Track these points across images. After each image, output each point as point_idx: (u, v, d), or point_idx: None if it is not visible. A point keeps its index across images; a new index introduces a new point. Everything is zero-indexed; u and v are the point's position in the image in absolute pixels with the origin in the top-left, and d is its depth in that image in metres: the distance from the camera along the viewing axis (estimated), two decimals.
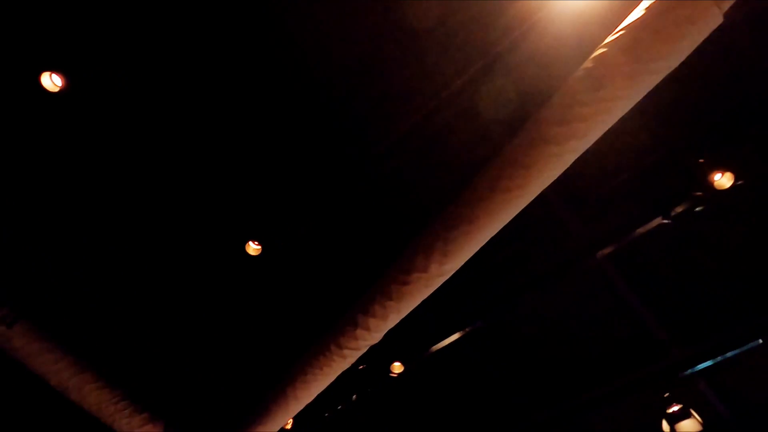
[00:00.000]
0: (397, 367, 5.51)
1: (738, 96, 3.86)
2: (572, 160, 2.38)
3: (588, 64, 2.22)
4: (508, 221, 2.62)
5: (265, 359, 5.74)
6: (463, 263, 2.74)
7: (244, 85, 4.05)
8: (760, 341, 5.21)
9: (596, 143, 2.38)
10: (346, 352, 3.13)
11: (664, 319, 5.52)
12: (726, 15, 1.92)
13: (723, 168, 3.85)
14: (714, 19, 1.89)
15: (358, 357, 3.27)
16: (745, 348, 5.36)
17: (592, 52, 2.19)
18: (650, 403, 5.78)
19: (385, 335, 3.31)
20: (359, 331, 3.00)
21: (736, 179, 3.88)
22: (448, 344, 5.51)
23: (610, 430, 6.49)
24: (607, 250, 4.63)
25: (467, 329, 5.40)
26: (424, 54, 3.93)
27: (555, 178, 2.46)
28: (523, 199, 2.50)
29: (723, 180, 3.93)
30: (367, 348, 3.21)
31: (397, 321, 3.04)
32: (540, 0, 3.44)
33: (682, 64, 2.09)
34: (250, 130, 4.36)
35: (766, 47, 3.66)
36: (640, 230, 4.38)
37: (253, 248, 4.91)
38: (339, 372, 3.32)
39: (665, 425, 5.66)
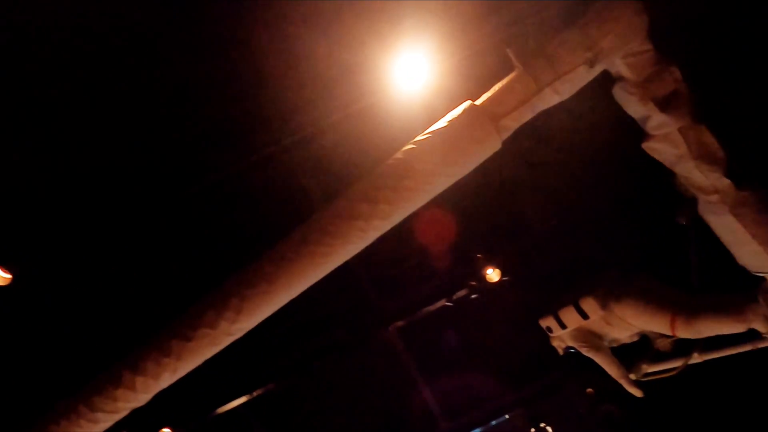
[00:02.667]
0: None
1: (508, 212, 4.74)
2: (375, 238, 2.55)
3: (399, 154, 2.48)
4: (308, 287, 2.64)
5: None
6: (256, 324, 2.63)
7: None
8: (507, 416, 6.10)
9: (399, 225, 2.62)
10: (99, 416, 2.64)
11: (437, 393, 6.08)
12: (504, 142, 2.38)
13: (494, 265, 4.60)
14: (494, 145, 2.31)
15: (115, 421, 2.79)
16: (497, 421, 6.19)
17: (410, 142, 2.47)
18: None
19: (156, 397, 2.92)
20: (121, 391, 2.58)
21: (502, 275, 4.65)
22: (231, 409, 5.11)
23: None
24: (398, 323, 4.99)
25: (254, 393, 5.11)
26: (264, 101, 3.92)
27: (358, 251, 2.59)
28: (327, 266, 2.57)
29: (493, 275, 4.66)
30: (128, 411, 2.77)
31: (172, 381, 2.72)
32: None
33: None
34: None
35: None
36: (427, 309, 4.86)
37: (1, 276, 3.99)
38: None
39: None
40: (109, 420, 2.74)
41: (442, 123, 2.39)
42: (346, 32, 3.63)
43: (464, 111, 2.35)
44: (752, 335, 3.11)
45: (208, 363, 2.93)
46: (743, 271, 2.75)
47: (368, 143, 3.74)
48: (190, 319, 2.58)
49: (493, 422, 6.19)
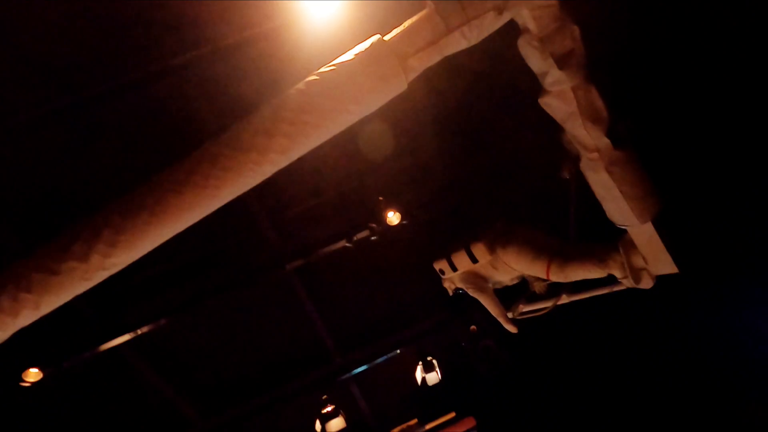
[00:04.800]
0: (33, 375, 4.46)
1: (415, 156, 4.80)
2: (270, 173, 2.42)
3: (301, 85, 2.32)
4: (196, 221, 2.46)
5: None
6: (134, 259, 2.42)
7: None
8: (398, 351, 6.48)
9: (300, 165, 2.51)
10: None
11: (332, 330, 6.25)
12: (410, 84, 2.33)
13: (395, 208, 4.69)
14: (400, 85, 2.25)
15: None
16: (388, 356, 6.55)
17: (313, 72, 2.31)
18: (310, 405, 6.36)
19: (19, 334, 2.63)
20: None
21: (402, 219, 4.76)
22: (108, 349, 4.82)
23: (280, 429, 6.86)
24: (296, 263, 4.95)
25: (136, 332, 4.85)
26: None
27: (251, 186, 2.45)
28: (216, 200, 2.40)
29: (393, 218, 4.76)
30: None
31: (34, 319, 2.45)
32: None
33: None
34: None
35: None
36: (326, 249, 4.87)
37: None
38: None
39: (318, 425, 6.35)
40: None
41: (348, 56, 2.27)
42: None
43: (372, 45, 2.24)
44: (611, 280, 3.53)
45: (86, 296, 2.68)
46: (611, 224, 3.05)
47: (269, 70, 3.48)
48: (55, 251, 2.29)
49: (385, 357, 6.54)
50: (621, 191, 2.66)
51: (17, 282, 2.27)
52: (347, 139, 4.21)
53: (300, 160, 2.47)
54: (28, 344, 4.48)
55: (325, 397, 6.37)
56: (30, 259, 2.44)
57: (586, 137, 2.52)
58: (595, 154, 2.57)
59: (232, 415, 6.33)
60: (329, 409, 6.32)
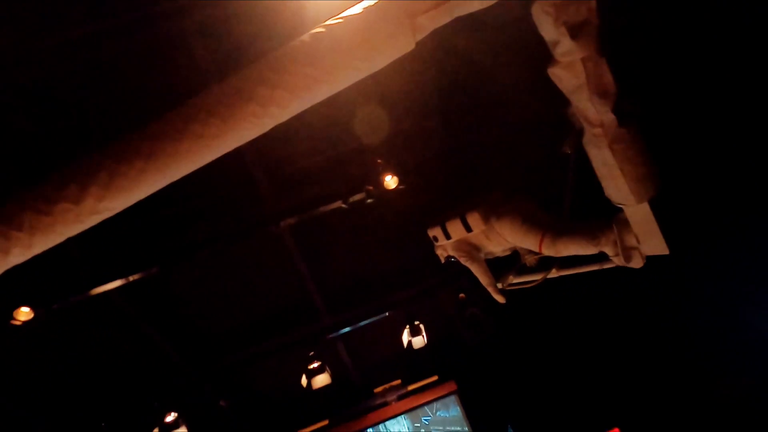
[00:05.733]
0: (24, 314, 4.51)
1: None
2: (269, 127, 2.38)
3: (306, 37, 2.25)
4: (192, 170, 2.43)
5: None
6: (128, 205, 2.40)
7: None
8: (387, 314, 6.58)
9: (300, 121, 2.46)
10: None
11: (323, 289, 6.32)
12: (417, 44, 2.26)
13: (392, 172, 4.66)
14: (407, 44, 2.19)
15: None
16: (376, 318, 6.66)
17: (319, 24, 2.24)
18: (297, 360, 6.50)
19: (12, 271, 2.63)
20: None
21: (399, 183, 4.74)
22: (100, 293, 4.85)
23: (264, 383, 7.04)
24: (290, 221, 4.94)
25: (128, 279, 4.87)
26: None
27: (250, 138, 2.41)
28: (213, 150, 2.37)
29: (391, 182, 4.74)
30: None
31: (25, 259, 2.44)
32: None
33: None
34: None
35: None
36: (321, 209, 4.86)
37: None
38: None
39: (304, 379, 6.51)
40: None
41: (356, 9, 2.19)
42: None
43: (381, 1, 2.16)
44: (602, 257, 3.56)
45: (78, 239, 2.68)
46: (606, 202, 3.06)
47: (274, 18, 3.36)
48: (47, 191, 2.27)
49: (373, 318, 6.65)
50: (621, 169, 2.65)
51: (9, 220, 2.26)
52: (348, 97, 4.12)
53: (301, 116, 2.42)
54: (21, 284, 4.49)
55: (312, 353, 6.51)
56: (23, 197, 2.41)
57: (592, 111, 2.49)
58: (599, 130, 2.54)
59: (219, 365, 6.47)
60: (316, 365, 6.46)
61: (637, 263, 3.27)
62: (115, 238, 4.81)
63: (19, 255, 2.38)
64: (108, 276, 4.87)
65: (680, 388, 6.15)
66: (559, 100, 2.63)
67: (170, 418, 5.95)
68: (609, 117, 2.49)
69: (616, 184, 2.74)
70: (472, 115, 4.83)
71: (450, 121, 4.92)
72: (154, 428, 5.86)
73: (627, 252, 3.22)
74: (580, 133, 2.78)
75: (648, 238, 3.05)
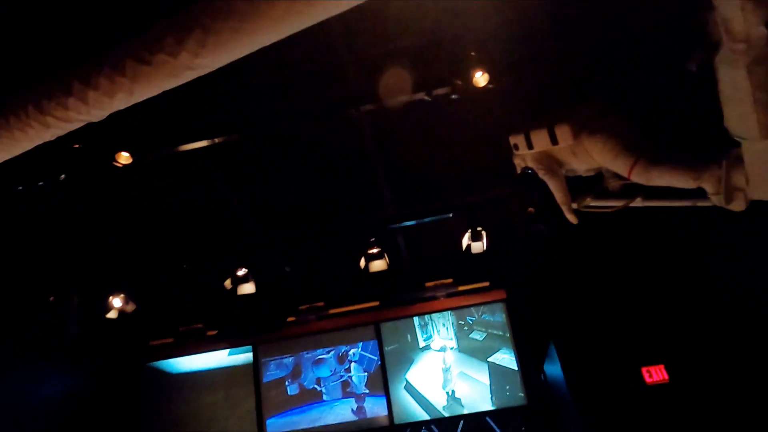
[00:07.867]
0: (124, 158, 4.94)
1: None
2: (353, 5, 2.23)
3: None
4: (283, 36, 2.38)
5: None
6: (221, 64, 2.43)
7: None
8: (450, 215, 6.62)
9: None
10: (50, 120, 2.56)
11: (392, 181, 6.39)
12: None
13: (484, 68, 4.35)
14: None
15: (67, 131, 2.73)
16: (439, 217, 6.73)
17: None
18: (358, 244, 6.81)
19: (113, 118, 2.83)
20: (72, 101, 2.46)
21: (489, 82, 4.45)
22: (190, 150, 5.18)
23: (327, 257, 7.55)
24: (369, 106, 4.87)
25: (213, 140, 5.14)
26: None
27: (344, 9, 2.29)
28: (307, 17, 2.28)
29: (481, 79, 4.45)
30: (82, 123, 2.71)
31: (127, 105, 2.59)
32: None
33: None
34: None
35: None
36: (403, 98, 4.71)
37: None
38: (36, 142, 2.74)
39: (362, 261, 6.88)
40: (61, 128, 2.67)
41: None
42: None
43: None
44: (697, 193, 3.27)
45: (172, 98, 2.79)
46: (715, 138, 2.73)
47: None
48: (147, 41, 2.33)
49: (437, 217, 6.72)
50: (754, 97, 2.30)
51: (114, 64, 2.37)
52: None
53: None
54: (120, 131, 4.87)
55: (373, 239, 6.78)
56: (125, 45, 2.51)
57: (740, 22, 2.11)
58: (742, 45, 2.17)
59: (287, 234, 6.94)
60: (375, 251, 6.76)
61: (738, 206, 2.98)
62: (203, 99, 4.99)
63: (121, 100, 2.54)
64: (196, 135, 5.17)
65: (734, 340, 5.92)
66: (702, 3, 2.25)
67: (241, 272, 6.60)
68: (759, 31, 2.11)
69: (743, 112, 2.40)
70: (587, 14, 4.27)
71: (558, 18, 4.40)
72: (227, 278, 6.56)
73: (730, 192, 2.92)
74: (715, 47, 2.41)
75: (761, 181, 2.73)
